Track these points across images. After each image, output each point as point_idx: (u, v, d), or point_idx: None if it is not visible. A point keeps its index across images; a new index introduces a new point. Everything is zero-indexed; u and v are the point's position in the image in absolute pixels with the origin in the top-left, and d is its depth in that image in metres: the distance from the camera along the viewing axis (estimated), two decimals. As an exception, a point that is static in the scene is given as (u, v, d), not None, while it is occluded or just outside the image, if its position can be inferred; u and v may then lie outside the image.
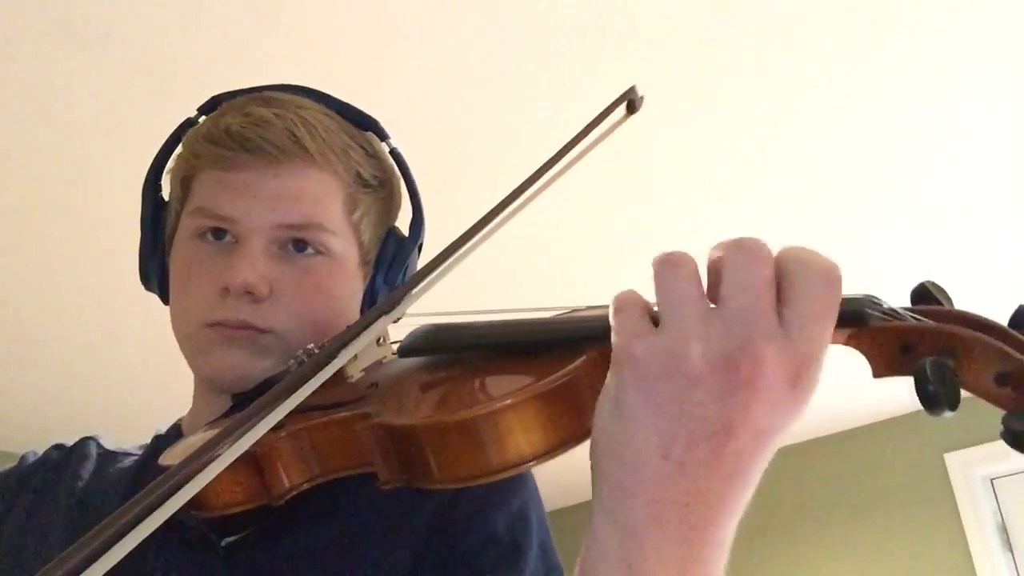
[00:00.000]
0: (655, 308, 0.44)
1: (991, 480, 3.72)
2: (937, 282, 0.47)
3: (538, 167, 0.62)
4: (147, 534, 0.43)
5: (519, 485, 0.71)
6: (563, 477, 4.08)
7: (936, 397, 0.40)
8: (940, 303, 0.46)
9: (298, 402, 0.52)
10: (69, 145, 2.09)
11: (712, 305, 0.43)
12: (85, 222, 2.36)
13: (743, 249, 0.42)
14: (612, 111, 0.68)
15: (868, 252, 2.77)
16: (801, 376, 0.41)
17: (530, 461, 0.48)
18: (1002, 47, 1.99)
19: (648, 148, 2.25)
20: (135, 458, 0.81)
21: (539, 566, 0.68)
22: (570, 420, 0.49)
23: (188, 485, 0.46)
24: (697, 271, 0.43)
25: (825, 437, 4.09)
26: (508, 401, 0.48)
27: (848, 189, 2.46)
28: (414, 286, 0.59)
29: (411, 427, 0.52)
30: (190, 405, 0.82)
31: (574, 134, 0.65)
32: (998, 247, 2.81)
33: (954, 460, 3.73)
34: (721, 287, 0.42)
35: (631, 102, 0.69)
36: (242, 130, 0.73)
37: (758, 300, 0.41)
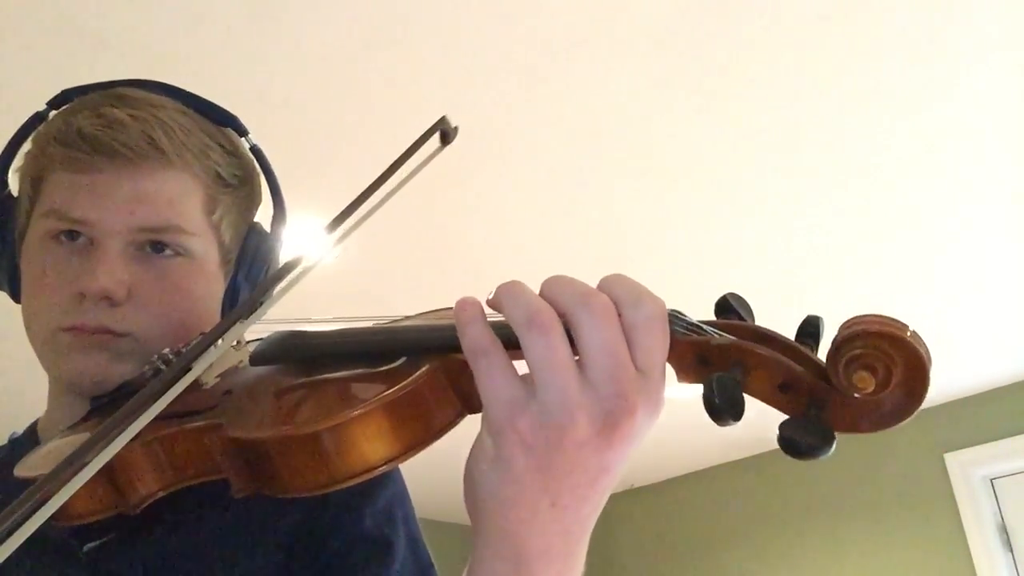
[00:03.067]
0: (505, 330, 0.45)
1: (991, 480, 3.72)
2: (739, 294, 0.50)
3: (353, 199, 0.62)
4: (12, 550, 0.43)
5: (383, 483, 0.72)
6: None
7: (719, 409, 0.44)
8: (740, 315, 0.50)
9: (158, 412, 0.53)
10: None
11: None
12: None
13: (592, 309, 0.44)
14: (424, 142, 0.68)
15: (872, 259, 2.77)
16: (660, 404, 0.46)
17: (376, 469, 0.50)
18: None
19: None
20: None
21: (408, 559, 0.69)
22: (413, 428, 0.50)
23: (51, 501, 0.46)
24: (563, 331, 0.45)
25: (825, 437, 4.08)
26: (353, 413, 0.49)
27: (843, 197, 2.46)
28: (270, 289, 0.59)
29: (258, 440, 0.53)
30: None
31: (387, 166, 0.66)
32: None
33: (954, 460, 3.72)
34: (582, 349, 0.44)
35: (444, 133, 0.69)
36: (95, 132, 0.71)
37: (621, 359, 0.44)
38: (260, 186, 0.83)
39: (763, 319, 0.49)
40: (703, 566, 4.27)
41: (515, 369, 0.46)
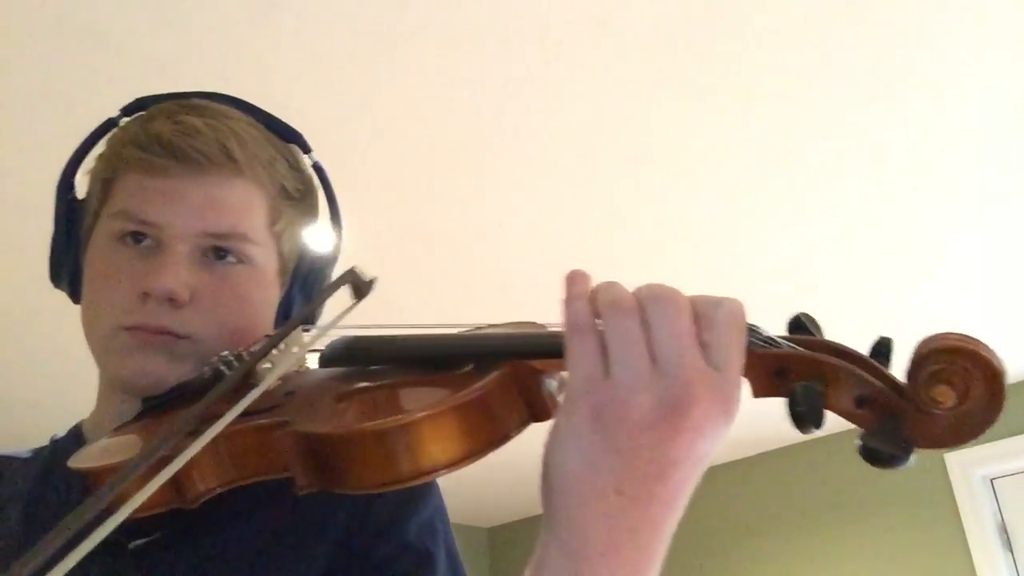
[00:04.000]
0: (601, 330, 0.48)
1: (991, 480, 3.72)
2: (810, 314, 0.53)
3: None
4: (87, 551, 0.44)
5: (428, 495, 0.74)
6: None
7: (803, 417, 0.47)
8: (812, 333, 0.52)
9: (237, 414, 0.54)
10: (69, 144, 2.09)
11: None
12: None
13: (662, 301, 0.47)
14: (333, 292, 0.69)
15: (869, 261, 2.77)
16: (730, 404, 0.47)
17: (441, 470, 0.51)
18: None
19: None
20: (25, 461, 0.80)
21: (447, 572, 0.70)
22: (481, 432, 0.52)
23: (135, 496, 0.47)
24: (642, 320, 0.47)
25: (825, 437, 4.08)
26: (425, 412, 0.51)
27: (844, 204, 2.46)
28: (317, 306, 0.62)
29: (329, 435, 0.54)
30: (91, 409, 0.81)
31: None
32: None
33: (954, 460, 3.72)
34: (653, 338, 0.47)
35: (356, 286, 0.68)
36: (172, 138, 0.73)
37: (688, 347, 0.46)
38: (318, 202, 0.86)
39: (770, 317, 0.50)
40: (702, 566, 4.27)
41: (602, 352, 0.47)
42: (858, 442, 0.47)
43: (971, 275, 2.94)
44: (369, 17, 1.81)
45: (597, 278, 0.50)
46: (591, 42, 1.91)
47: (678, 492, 0.48)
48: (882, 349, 0.50)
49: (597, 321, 0.48)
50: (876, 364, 0.49)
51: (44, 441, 0.83)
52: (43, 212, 2.52)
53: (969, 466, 3.69)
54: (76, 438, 0.80)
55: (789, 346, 0.50)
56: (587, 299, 0.49)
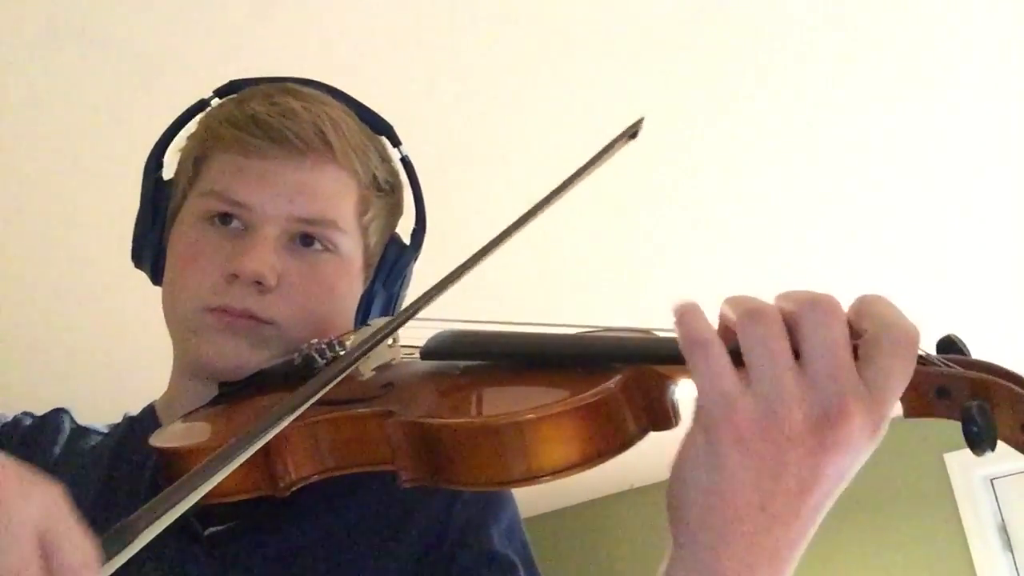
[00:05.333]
0: (732, 344, 0.45)
1: (991, 480, 3.72)
2: (958, 336, 0.50)
3: (542, 198, 0.62)
4: (171, 521, 0.44)
5: (507, 501, 0.72)
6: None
7: (980, 437, 0.45)
8: (964, 354, 0.49)
9: (322, 394, 0.52)
10: (69, 145, 2.09)
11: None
12: (83, 221, 2.36)
13: (820, 307, 0.45)
14: (619, 142, 0.68)
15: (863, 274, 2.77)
16: (880, 425, 0.45)
17: (555, 474, 0.49)
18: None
19: (661, 173, 2.25)
20: (105, 436, 0.79)
21: None
22: (601, 437, 0.49)
23: (222, 470, 0.46)
24: (782, 323, 0.45)
25: (825, 437, 4.08)
26: (548, 411, 0.48)
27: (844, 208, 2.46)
28: (433, 296, 0.59)
29: (448, 426, 0.52)
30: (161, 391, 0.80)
31: (580, 164, 0.66)
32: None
33: (954, 460, 3.72)
34: (804, 347, 0.44)
35: (634, 134, 0.69)
36: (269, 119, 0.72)
37: (843, 360, 0.44)
38: (404, 197, 0.84)
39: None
40: (703, 566, 4.26)
41: (731, 363, 0.45)
42: None
43: (970, 275, 2.94)
44: (369, 17, 1.81)
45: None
46: (589, 40, 1.91)
47: (819, 509, 0.47)
48: None
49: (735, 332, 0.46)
50: None
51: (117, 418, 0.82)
52: (44, 212, 2.51)
53: (969, 466, 3.69)
54: (151, 417, 0.79)
55: (949, 365, 0.47)
56: (702, 315, 0.47)
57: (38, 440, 0.77)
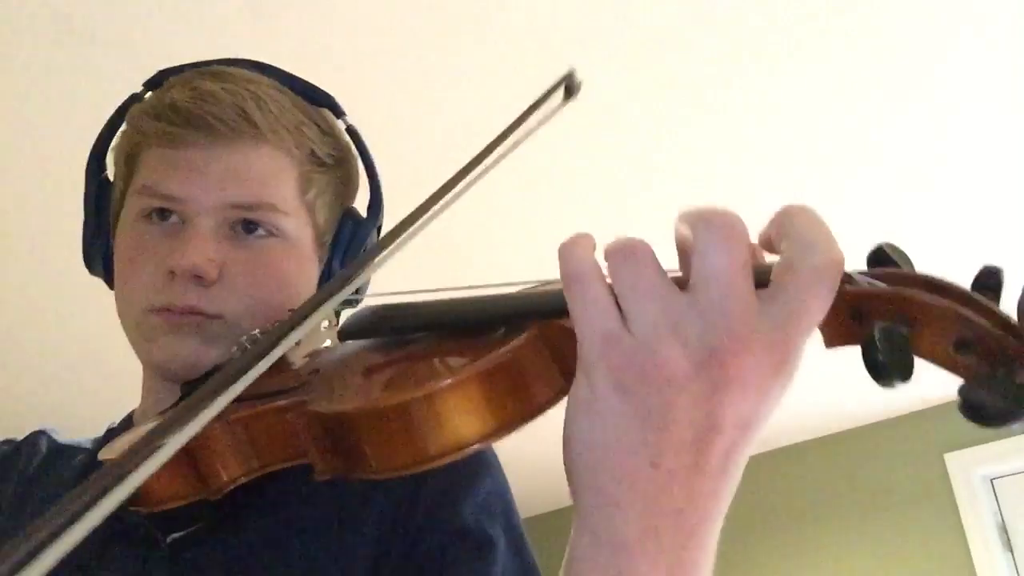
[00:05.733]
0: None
1: (991, 480, 3.72)
2: (896, 244, 0.44)
3: (474, 156, 0.58)
4: (83, 534, 0.40)
5: (483, 473, 0.68)
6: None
7: (884, 366, 0.38)
8: (898, 266, 0.43)
9: (240, 391, 0.48)
10: (68, 144, 2.09)
11: (682, 292, 0.40)
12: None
13: (713, 227, 0.39)
14: (549, 96, 0.64)
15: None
16: (786, 361, 0.39)
17: (471, 445, 0.45)
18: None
19: (605, 124, 2.25)
20: (85, 451, 0.78)
21: (511, 560, 0.65)
22: (510, 402, 0.45)
23: (125, 481, 0.42)
24: (655, 257, 0.40)
25: (825, 437, 4.08)
26: (445, 382, 0.45)
27: (811, 147, 2.45)
28: (360, 268, 0.55)
29: (341, 413, 0.49)
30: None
31: (511, 121, 0.62)
32: (964, 206, 2.80)
33: (954, 460, 3.72)
34: (692, 274, 0.39)
35: (568, 87, 0.65)
36: (188, 105, 0.69)
37: (736, 289, 0.38)
38: (357, 169, 0.81)
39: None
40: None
41: (614, 303, 0.40)
42: (958, 398, 0.38)
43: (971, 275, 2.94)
44: (369, 17, 1.81)
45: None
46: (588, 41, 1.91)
47: (725, 463, 0.41)
48: (989, 281, 0.41)
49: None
50: (981, 299, 0.40)
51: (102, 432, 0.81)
52: (43, 212, 2.53)
53: (969, 466, 3.68)
54: (127, 427, 0.78)
55: (869, 282, 0.41)
56: (587, 247, 0.42)
57: (14, 465, 0.76)
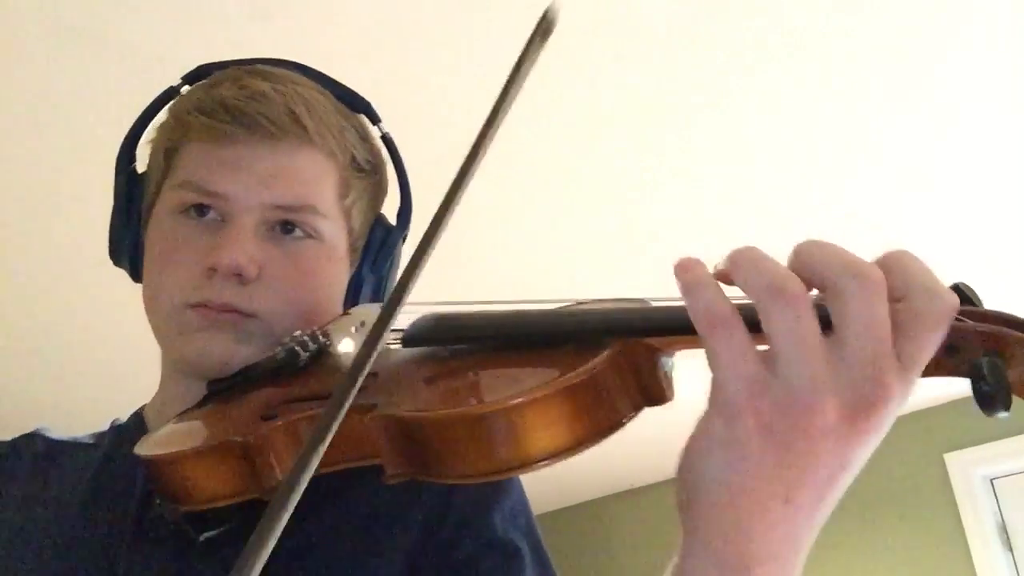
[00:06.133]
0: (746, 311, 0.41)
1: (991, 480, 3.72)
2: (968, 284, 0.46)
3: (485, 119, 0.56)
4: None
5: (509, 485, 0.69)
6: (562, 478, 4.03)
7: (991, 398, 0.41)
8: (974, 304, 0.45)
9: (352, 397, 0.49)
10: (68, 145, 2.09)
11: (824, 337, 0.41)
12: (82, 222, 2.36)
13: (866, 282, 0.40)
14: (535, 44, 0.61)
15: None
16: (907, 398, 0.41)
17: (547, 459, 0.46)
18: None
19: (641, 147, 2.25)
20: (88, 446, 0.77)
21: (535, 569, 0.66)
22: (590, 418, 0.46)
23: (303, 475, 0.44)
24: (809, 299, 0.40)
25: (825, 437, 4.08)
26: (533, 395, 0.45)
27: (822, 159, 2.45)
28: (414, 272, 0.53)
29: (426, 419, 0.49)
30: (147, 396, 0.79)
31: (505, 81, 0.59)
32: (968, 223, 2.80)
33: (954, 460, 3.72)
34: (842, 326, 0.40)
35: (547, 28, 0.62)
36: (238, 103, 0.69)
37: (886, 344, 0.40)
38: (387, 177, 0.81)
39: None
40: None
41: (754, 343, 0.41)
42: None
43: (971, 275, 2.94)
44: (369, 16, 1.81)
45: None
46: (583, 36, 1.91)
47: (841, 492, 0.43)
48: None
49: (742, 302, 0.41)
50: None
51: (104, 427, 0.81)
52: (43, 212, 2.52)
53: (969, 466, 3.69)
54: (138, 424, 0.77)
55: (959, 319, 0.43)
56: (716, 285, 0.42)
57: (13, 465, 0.76)
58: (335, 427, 0.45)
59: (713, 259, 0.43)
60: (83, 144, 2.08)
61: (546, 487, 4.03)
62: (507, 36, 1.88)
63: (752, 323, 0.41)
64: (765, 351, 0.41)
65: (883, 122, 2.20)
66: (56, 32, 1.79)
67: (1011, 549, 3.62)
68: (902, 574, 3.77)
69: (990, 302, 0.45)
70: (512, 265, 2.70)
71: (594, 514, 4.67)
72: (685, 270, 0.42)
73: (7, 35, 1.80)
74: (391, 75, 1.95)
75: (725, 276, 0.42)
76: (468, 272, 2.73)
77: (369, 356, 0.48)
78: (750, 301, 0.41)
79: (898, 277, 0.41)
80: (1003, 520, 3.67)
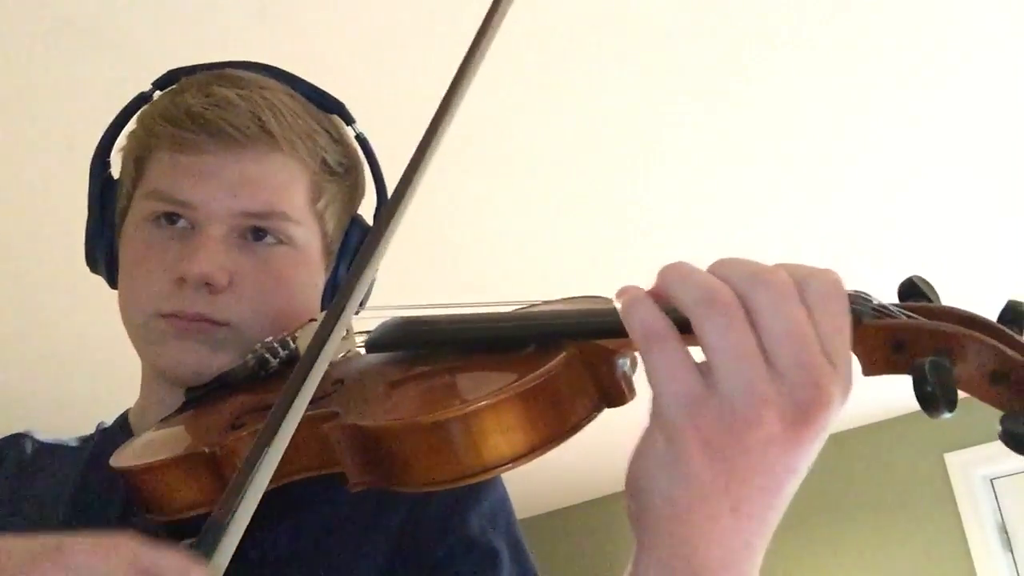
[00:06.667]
0: (683, 323, 0.41)
1: (991, 480, 3.72)
2: (924, 277, 0.46)
3: (455, 74, 0.56)
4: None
5: (488, 486, 0.69)
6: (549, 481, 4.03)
7: (935, 398, 0.40)
8: (929, 299, 0.45)
9: (307, 402, 0.50)
10: (69, 145, 2.09)
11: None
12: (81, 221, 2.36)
13: (771, 287, 0.40)
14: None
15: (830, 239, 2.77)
16: (847, 392, 0.41)
17: (508, 463, 0.46)
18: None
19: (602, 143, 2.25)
20: (74, 449, 0.77)
21: (514, 569, 0.66)
22: (549, 421, 0.46)
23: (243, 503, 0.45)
24: (742, 309, 0.40)
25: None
26: (486, 401, 0.45)
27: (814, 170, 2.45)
28: (378, 234, 0.55)
29: (383, 428, 0.49)
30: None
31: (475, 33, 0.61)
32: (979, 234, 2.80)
33: (954, 460, 3.72)
34: (765, 337, 0.40)
35: None
36: (203, 111, 0.69)
37: (810, 342, 0.39)
38: (364, 177, 0.81)
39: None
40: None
41: (692, 358, 0.41)
42: (999, 427, 0.40)
43: (972, 275, 2.94)
44: (369, 16, 1.81)
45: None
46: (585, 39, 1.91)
47: (789, 495, 0.43)
48: (1011, 315, 0.43)
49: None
50: (1012, 334, 0.42)
51: (90, 429, 0.81)
52: (44, 211, 2.52)
53: (969, 466, 3.68)
54: (123, 428, 0.77)
55: (906, 315, 0.43)
56: (651, 302, 0.41)
57: (1, 464, 0.76)
58: (281, 435, 0.46)
59: (703, 259, 0.43)
60: (82, 143, 2.08)
61: (545, 487, 4.03)
62: (507, 35, 1.88)
63: (686, 325, 0.41)
64: (704, 363, 0.41)
65: (878, 121, 2.20)
66: (52, 29, 1.79)
67: (1011, 549, 3.62)
68: (902, 574, 3.77)
69: (992, 303, 0.45)
70: (508, 263, 2.70)
71: (594, 514, 4.67)
72: (622, 293, 0.43)
73: (7, 35, 1.80)
74: (391, 75, 1.95)
75: (659, 294, 0.42)
76: (464, 271, 2.73)
77: (311, 365, 0.49)
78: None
79: (754, 283, 0.41)
80: (1003, 520, 3.67)
